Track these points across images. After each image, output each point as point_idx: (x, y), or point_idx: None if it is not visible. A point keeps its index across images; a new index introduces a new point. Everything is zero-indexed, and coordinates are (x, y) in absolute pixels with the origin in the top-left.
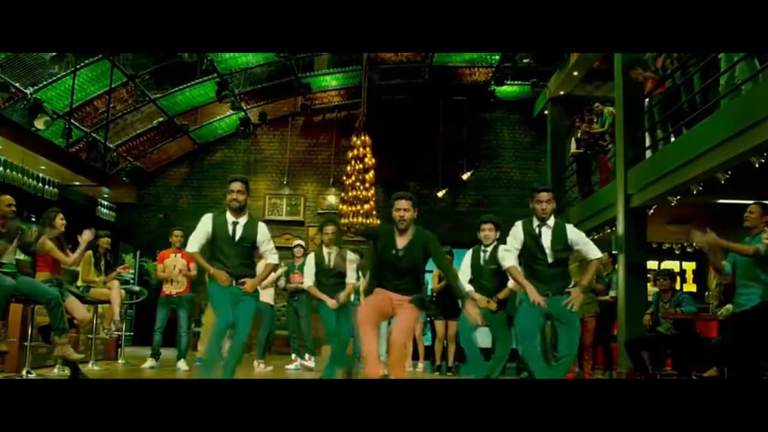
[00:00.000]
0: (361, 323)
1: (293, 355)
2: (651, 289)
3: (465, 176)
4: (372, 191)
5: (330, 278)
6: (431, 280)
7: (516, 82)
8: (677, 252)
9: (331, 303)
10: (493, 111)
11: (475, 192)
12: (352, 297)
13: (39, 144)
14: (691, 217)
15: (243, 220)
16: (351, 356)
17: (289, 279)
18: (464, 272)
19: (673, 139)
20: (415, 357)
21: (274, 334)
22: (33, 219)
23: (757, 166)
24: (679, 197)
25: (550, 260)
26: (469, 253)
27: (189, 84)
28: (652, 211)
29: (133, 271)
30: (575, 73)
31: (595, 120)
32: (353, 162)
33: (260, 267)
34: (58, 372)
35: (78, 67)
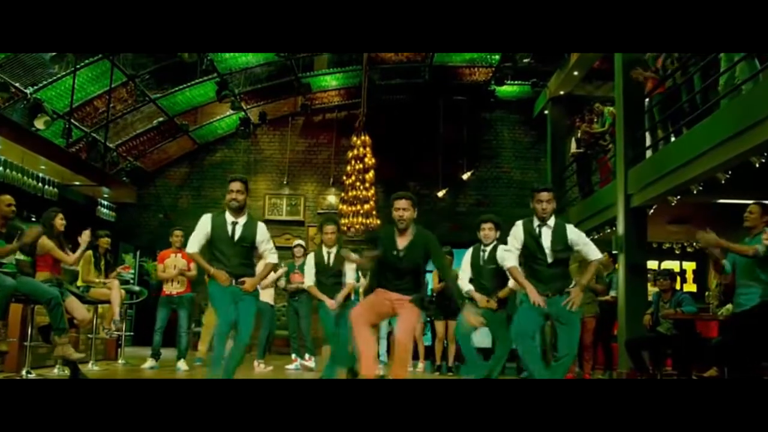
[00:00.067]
0: (355, 323)
1: (293, 355)
2: (651, 289)
3: (465, 176)
4: (372, 191)
5: (329, 278)
6: (431, 280)
7: (516, 82)
8: (677, 252)
9: (330, 304)
10: (493, 111)
11: (475, 192)
12: (352, 297)
13: (39, 144)
14: (692, 217)
15: (242, 220)
16: (352, 355)
17: (290, 279)
18: (464, 270)
19: (673, 139)
20: (415, 357)
21: (275, 334)
22: (33, 219)
23: (757, 166)
24: (679, 197)
25: (549, 260)
26: (469, 252)
27: (189, 84)
28: (652, 211)
29: (133, 271)
30: (575, 73)
31: (595, 120)
32: (353, 162)
33: (260, 267)
34: (58, 372)
35: (78, 66)
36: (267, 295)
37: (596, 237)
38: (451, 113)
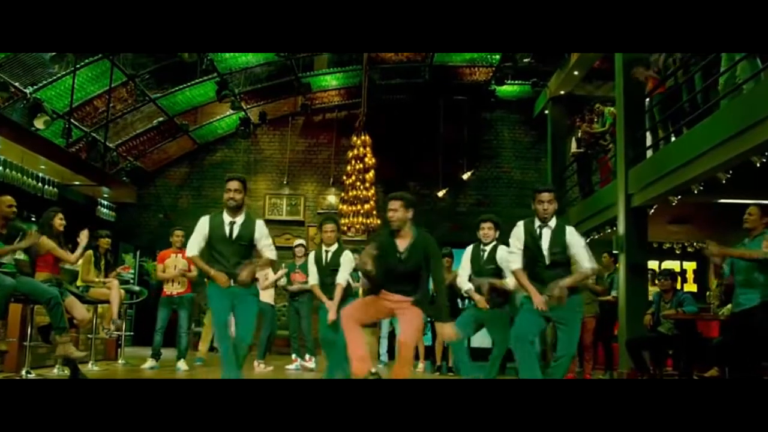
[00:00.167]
0: (345, 321)
1: (293, 356)
2: (652, 289)
3: (465, 176)
4: (372, 191)
5: (328, 277)
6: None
7: (516, 82)
8: (678, 252)
9: (331, 316)
10: (493, 111)
11: (475, 192)
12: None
13: (39, 144)
14: (692, 217)
15: (240, 219)
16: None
17: (290, 279)
18: (464, 268)
19: (673, 138)
20: (416, 357)
21: (275, 334)
22: (33, 219)
23: (758, 165)
24: (679, 197)
25: (547, 261)
26: (468, 250)
27: (189, 84)
28: (652, 210)
29: (133, 271)
30: (576, 73)
31: (595, 120)
32: (353, 162)
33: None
34: (57, 372)
35: (78, 66)
36: (267, 295)
37: (597, 237)
38: (451, 113)
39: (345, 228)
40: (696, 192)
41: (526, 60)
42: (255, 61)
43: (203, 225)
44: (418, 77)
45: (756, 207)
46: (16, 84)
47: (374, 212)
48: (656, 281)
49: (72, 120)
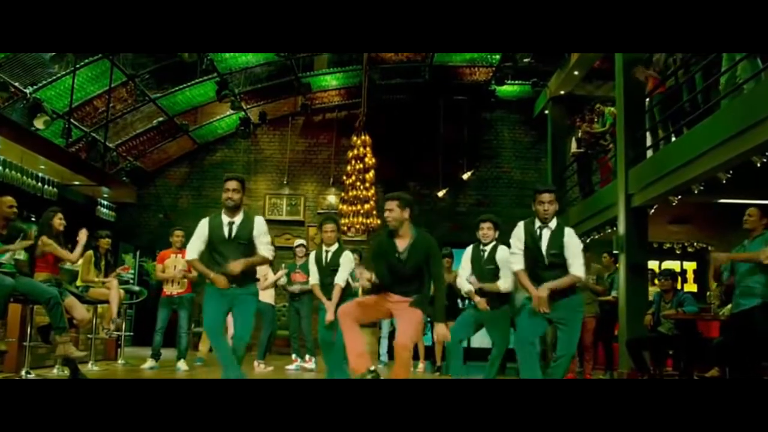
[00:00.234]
0: (343, 320)
1: (293, 356)
2: (652, 289)
3: (465, 176)
4: (372, 191)
5: (328, 277)
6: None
7: (516, 82)
8: (678, 252)
9: (329, 316)
10: (493, 111)
11: (475, 192)
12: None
13: (38, 143)
14: (693, 217)
15: (238, 218)
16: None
17: (291, 279)
18: (464, 269)
19: (674, 138)
20: (416, 357)
21: (276, 334)
22: (33, 219)
23: (758, 165)
24: (680, 197)
25: (546, 262)
26: (468, 251)
27: (189, 84)
28: (653, 210)
29: (132, 271)
30: (576, 73)
31: (595, 120)
32: (353, 162)
33: (262, 272)
34: (57, 372)
35: (78, 66)
36: (268, 295)
37: (597, 237)
38: (451, 113)
39: (345, 228)
40: (696, 192)
41: (526, 60)
42: (255, 61)
43: (203, 227)
44: (418, 77)
45: (755, 208)
46: (16, 84)
47: (374, 212)
48: (656, 281)
49: (72, 120)
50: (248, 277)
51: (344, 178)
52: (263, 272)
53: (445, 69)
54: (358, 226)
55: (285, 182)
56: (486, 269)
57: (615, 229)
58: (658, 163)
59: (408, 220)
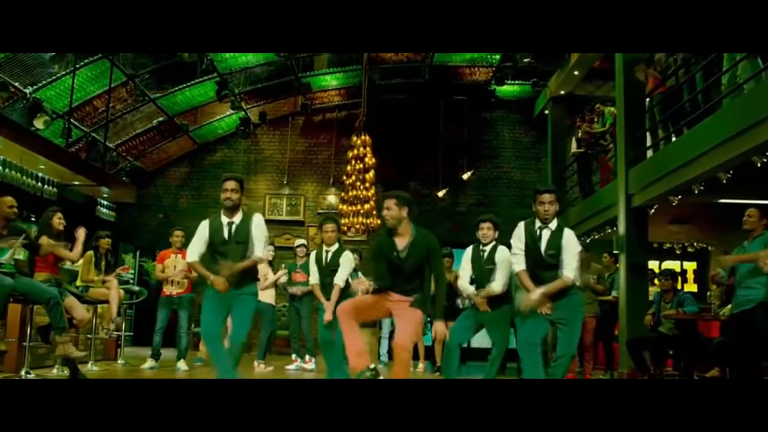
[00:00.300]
0: (342, 318)
1: (293, 356)
2: (652, 289)
3: (465, 176)
4: (372, 191)
5: (328, 277)
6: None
7: (516, 82)
8: (678, 252)
9: (327, 316)
10: (493, 111)
11: (475, 192)
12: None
13: (38, 143)
14: (693, 217)
15: (237, 219)
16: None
17: (291, 278)
18: (464, 269)
19: (674, 138)
20: (416, 357)
21: (276, 334)
22: (32, 219)
23: (759, 165)
24: (680, 197)
25: (545, 263)
26: (468, 252)
27: (189, 83)
28: (653, 210)
29: (132, 271)
30: (576, 73)
31: (595, 119)
32: (353, 162)
33: (262, 272)
34: (57, 372)
35: (77, 66)
36: (268, 295)
37: (597, 237)
38: (451, 113)
39: (345, 228)
40: (696, 192)
41: (526, 60)
42: (255, 61)
43: (203, 229)
44: (418, 77)
45: (755, 208)
46: (16, 84)
47: (374, 212)
48: (656, 281)
49: (72, 120)
50: (248, 277)
51: (344, 178)
52: (263, 272)
53: (445, 69)
54: (358, 226)
55: (285, 182)
56: (486, 269)
57: (615, 229)
58: (658, 163)
59: (407, 219)
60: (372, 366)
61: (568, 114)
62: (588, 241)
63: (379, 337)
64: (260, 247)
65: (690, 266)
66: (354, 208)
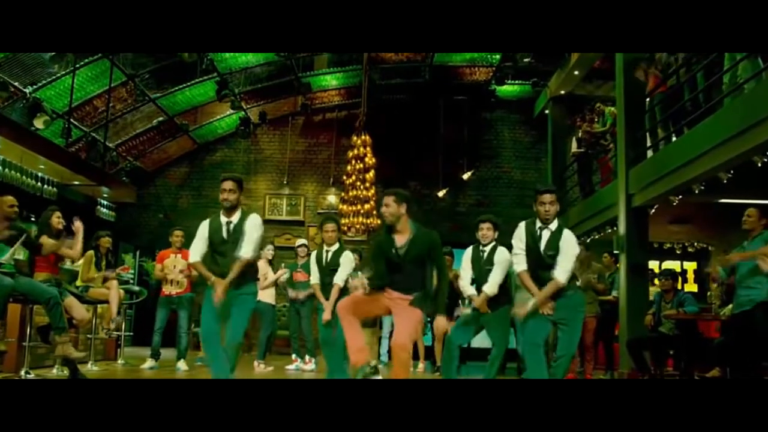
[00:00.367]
0: (342, 315)
1: (293, 356)
2: (652, 289)
3: (465, 176)
4: (372, 191)
5: (328, 277)
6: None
7: (516, 82)
8: (678, 252)
9: (325, 316)
10: (493, 110)
11: (475, 192)
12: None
13: (38, 143)
14: (693, 217)
15: (235, 218)
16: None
17: (292, 277)
18: (465, 270)
19: (674, 138)
20: (416, 357)
21: (276, 334)
22: (32, 219)
23: (759, 165)
24: (680, 197)
25: (545, 263)
26: (468, 252)
27: (189, 83)
28: (653, 210)
29: (132, 271)
30: (576, 73)
31: (596, 119)
32: (353, 161)
33: (262, 269)
34: (56, 372)
35: (77, 66)
36: (268, 295)
37: (597, 237)
38: (451, 113)
39: (345, 228)
40: (697, 192)
41: (526, 60)
42: (255, 60)
43: (203, 229)
44: (418, 77)
45: (754, 208)
46: (16, 83)
47: (374, 212)
48: (657, 281)
49: (71, 120)
50: (247, 276)
51: (344, 178)
52: (263, 271)
53: (445, 69)
54: (358, 226)
55: (285, 182)
56: (486, 270)
57: (615, 229)
58: (658, 163)
59: (405, 216)
60: (373, 363)
61: (569, 114)
62: (588, 241)
63: (379, 336)
64: (248, 247)
65: (690, 266)
66: (354, 208)
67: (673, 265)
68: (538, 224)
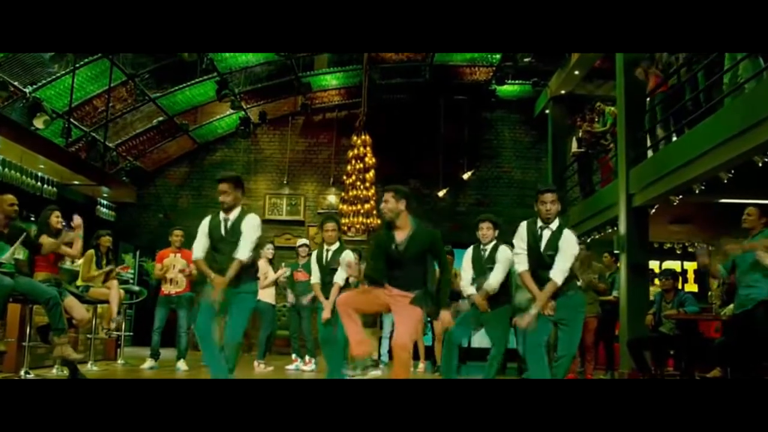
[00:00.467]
0: (342, 309)
1: (294, 356)
2: (653, 289)
3: (466, 176)
4: (372, 191)
5: (328, 276)
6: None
7: (517, 82)
8: (679, 252)
9: (325, 315)
10: (493, 110)
11: (475, 192)
12: None
13: (38, 143)
14: (694, 217)
15: (233, 216)
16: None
17: (293, 277)
18: (465, 270)
19: (675, 138)
20: (416, 357)
21: (276, 334)
22: (32, 218)
23: (760, 165)
24: (681, 197)
25: (546, 263)
26: (469, 252)
27: (189, 83)
28: (653, 210)
29: (132, 270)
30: (576, 72)
31: (596, 119)
32: (353, 161)
33: (262, 268)
34: (56, 372)
35: (77, 66)
36: (268, 295)
37: (597, 237)
38: (451, 113)
39: (345, 228)
40: (697, 192)
41: (526, 60)
42: (255, 60)
43: (203, 226)
44: (419, 77)
45: (754, 207)
46: (16, 83)
47: (374, 212)
48: (657, 281)
49: (71, 119)
50: (247, 275)
51: (344, 177)
52: (263, 271)
53: (445, 69)
54: (358, 226)
55: (285, 182)
56: (487, 269)
57: (616, 228)
58: (659, 163)
59: (405, 212)
60: (374, 356)
61: (569, 113)
62: (589, 240)
63: (379, 336)
64: (245, 248)
65: (691, 266)
66: (354, 207)
67: (673, 265)
68: (539, 224)
